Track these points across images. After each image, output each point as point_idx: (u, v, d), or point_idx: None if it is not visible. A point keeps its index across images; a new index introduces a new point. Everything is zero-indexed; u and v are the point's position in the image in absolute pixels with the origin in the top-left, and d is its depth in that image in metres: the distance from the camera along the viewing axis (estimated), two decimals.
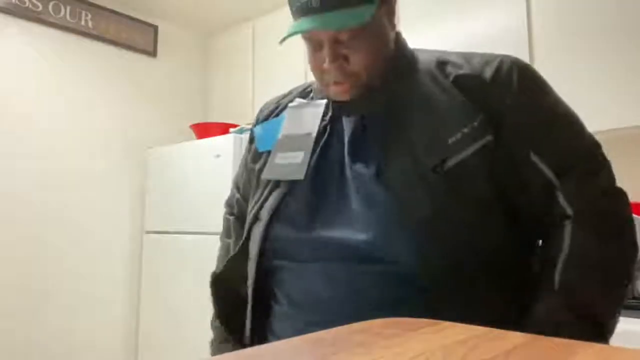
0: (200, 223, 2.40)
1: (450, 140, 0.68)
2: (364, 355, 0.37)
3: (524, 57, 1.70)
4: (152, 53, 2.97)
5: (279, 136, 0.83)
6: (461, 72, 0.73)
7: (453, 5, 2.01)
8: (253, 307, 0.79)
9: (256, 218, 0.80)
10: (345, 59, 0.71)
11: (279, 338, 0.73)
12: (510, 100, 0.70)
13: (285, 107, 0.87)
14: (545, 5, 1.83)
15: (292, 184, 0.77)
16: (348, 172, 0.74)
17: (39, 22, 2.47)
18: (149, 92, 2.93)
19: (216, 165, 2.41)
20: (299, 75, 2.44)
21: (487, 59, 0.74)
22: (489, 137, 0.69)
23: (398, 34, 0.80)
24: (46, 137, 2.46)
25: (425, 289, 0.65)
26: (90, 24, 2.68)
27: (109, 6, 2.77)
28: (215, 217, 2.35)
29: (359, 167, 0.73)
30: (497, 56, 0.75)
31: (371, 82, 0.74)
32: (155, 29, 2.99)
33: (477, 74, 0.72)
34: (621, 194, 0.71)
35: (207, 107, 3.20)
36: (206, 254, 2.44)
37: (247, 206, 0.88)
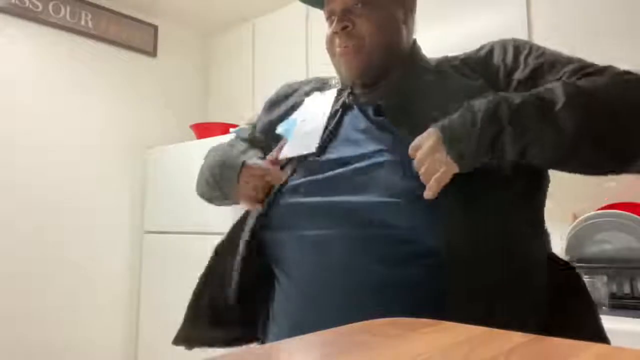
0: (200, 223, 2.40)
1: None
2: (364, 355, 0.37)
3: None
4: (152, 53, 2.97)
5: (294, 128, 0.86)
6: (461, 57, 0.80)
7: (453, 6, 2.01)
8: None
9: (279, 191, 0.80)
10: (353, 24, 0.78)
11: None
12: (509, 59, 0.75)
13: (299, 100, 0.92)
14: (545, 5, 1.83)
15: (309, 165, 0.79)
16: (362, 156, 0.75)
17: (39, 22, 2.47)
18: (149, 92, 2.93)
19: None
20: (299, 75, 2.43)
21: (480, 46, 0.81)
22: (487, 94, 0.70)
23: (415, 41, 0.86)
24: (46, 137, 2.46)
25: (429, 252, 0.65)
26: (90, 24, 2.68)
27: (109, 6, 2.77)
28: (216, 217, 2.36)
29: (373, 148, 0.74)
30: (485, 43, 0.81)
31: (373, 53, 0.78)
32: (155, 29, 2.99)
33: (473, 54, 0.80)
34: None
35: (207, 107, 3.20)
36: (206, 254, 2.44)
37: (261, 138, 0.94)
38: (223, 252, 0.85)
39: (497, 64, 0.75)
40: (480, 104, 0.64)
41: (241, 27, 3.00)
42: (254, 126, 1.00)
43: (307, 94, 0.92)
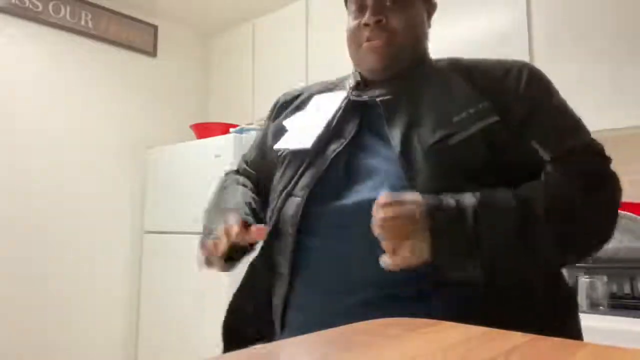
0: (200, 223, 2.39)
1: (454, 119, 0.72)
2: (364, 355, 0.37)
3: (524, 57, 1.70)
4: (152, 53, 2.97)
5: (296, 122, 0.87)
6: (474, 67, 0.79)
7: (453, 6, 2.01)
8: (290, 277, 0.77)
9: (289, 194, 0.79)
10: (386, 18, 0.79)
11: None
12: (518, 93, 0.74)
13: (304, 101, 0.92)
14: (545, 5, 1.83)
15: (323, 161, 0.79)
16: (366, 152, 0.77)
17: (39, 22, 2.47)
18: (149, 92, 2.93)
19: (216, 165, 2.41)
20: (299, 75, 2.44)
21: (500, 60, 0.80)
22: (495, 118, 0.71)
23: (427, 45, 0.88)
24: (46, 137, 2.46)
25: None
26: (90, 24, 2.68)
27: (109, 6, 2.77)
28: None
29: (376, 143, 0.77)
30: (510, 60, 0.80)
31: (402, 49, 0.80)
32: (155, 29, 2.99)
33: (489, 70, 0.78)
34: (614, 177, 0.74)
35: (207, 107, 3.20)
36: None
37: (254, 174, 0.96)
38: (259, 266, 0.83)
39: (506, 90, 0.75)
40: (468, 204, 0.64)
41: (241, 27, 3.00)
42: (263, 134, 0.98)
43: (313, 94, 0.92)
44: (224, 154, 2.39)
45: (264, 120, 1.02)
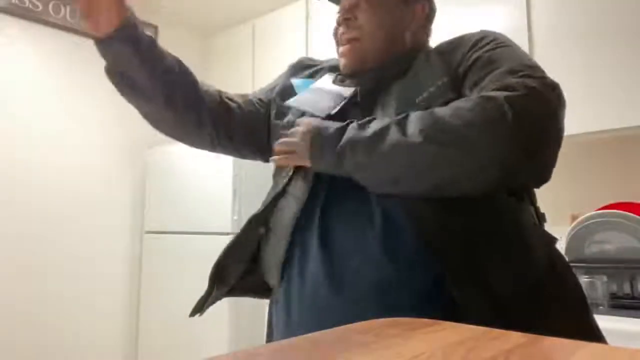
0: (200, 223, 2.40)
1: (417, 99, 0.72)
2: (364, 355, 0.37)
3: None
4: None
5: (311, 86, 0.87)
6: (437, 46, 0.81)
7: (452, 6, 2.01)
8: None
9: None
10: (355, 18, 0.82)
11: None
12: (462, 52, 0.74)
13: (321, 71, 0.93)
14: (545, 5, 1.83)
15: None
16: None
17: (39, 22, 2.48)
18: None
19: (216, 165, 2.41)
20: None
21: (460, 35, 0.80)
22: (451, 95, 0.70)
23: (424, 45, 0.87)
24: (46, 136, 2.46)
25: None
26: None
27: None
28: (216, 217, 2.36)
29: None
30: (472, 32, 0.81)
31: (368, 49, 0.82)
32: (155, 29, 2.99)
33: (450, 42, 0.79)
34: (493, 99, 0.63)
35: None
36: (206, 254, 2.44)
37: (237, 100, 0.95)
38: (253, 222, 0.82)
39: (455, 57, 0.75)
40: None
41: (241, 27, 3.00)
42: (272, 85, 1.00)
43: (327, 69, 0.92)
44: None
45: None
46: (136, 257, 2.75)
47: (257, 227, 0.81)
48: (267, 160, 0.93)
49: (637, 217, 1.55)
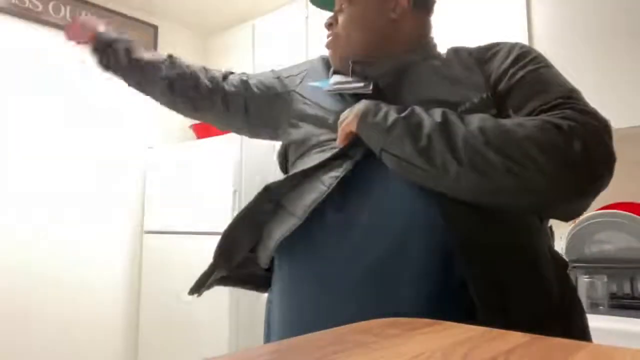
0: (200, 223, 2.40)
1: (460, 109, 0.70)
2: (364, 355, 0.37)
3: None
4: None
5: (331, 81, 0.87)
6: (470, 50, 0.80)
7: (452, 6, 2.01)
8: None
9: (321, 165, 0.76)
10: (337, 21, 0.87)
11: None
12: (503, 67, 0.74)
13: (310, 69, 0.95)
14: (545, 6, 1.83)
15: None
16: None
17: (39, 22, 2.47)
18: None
19: (216, 165, 2.41)
20: None
21: (493, 43, 0.81)
22: (493, 112, 0.69)
23: (426, 36, 0.87)
24: (45, 136, 2.46)
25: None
26: None
27: (109, 6, 2.77)
28: (216, 217, 2.36)
29: None
30: (500, 42, 0.81)
31: (347, 47, 0.85)
32: (155, 29, 2.99)
33: (483, 51, 0.79)
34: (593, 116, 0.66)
35: None
36: (206, 254, 2.44)
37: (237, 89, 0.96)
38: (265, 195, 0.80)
39: (492, 68, 0.75)
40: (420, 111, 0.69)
41: (241, 27, 3.00)
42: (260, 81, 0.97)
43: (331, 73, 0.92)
44: (224, 153, 2.39)
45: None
46: (136, 257, 2.75)
47: (268, 200, 0.79)
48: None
49: (638, 217, 1.55)
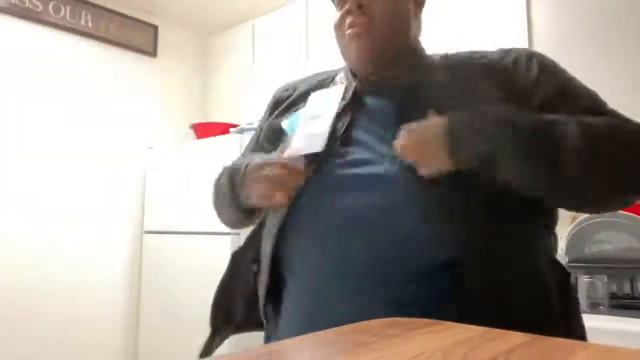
0: (200, 223, 2.40)
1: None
2: (364, 355, 0.37)
3: None
4: (152, 53, 2.97)
5: (299, 120, 0.84)
6: (477, 56, 0.78)
7: (452, 5, 2.01)
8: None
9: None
10: (367, 7, 0.78)
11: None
12: (533, 77, 0.73)
13: (298, 98, 0.91)
14: (545, 5, 1.83)
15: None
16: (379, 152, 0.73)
17: (39, 22, 2.47)
18: (149, 92, 2.93)
19: (216, 165, 2.41)
20: (299, 76, 2.43)
21: (501, 50, 0.79)
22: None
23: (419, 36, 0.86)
24: (46, 136, 2.46)
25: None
26: (90, 24, 2.68)
27: (109, 6, 2.77)
28: (215, 217, 2.35)
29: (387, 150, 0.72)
30: (510, 48, 0.79)
31: (383, 37, 0.78)
32: (155, 29, 2.99)
33: (495, 60, 0.76)
34: None
35: (207, 107, 3.20)
36: (206, 254, 2.44)
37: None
38: (240, 259, 0.85)
39: (521, 80, 0.73)
40: (494, 113, 0.66)
41: (241, 27, 3.00)
42: (257, 133, 0.97)
43: (308, 91, 0.89)
44: (224, 154, 2.39)
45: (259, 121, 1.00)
46: (136, 257, 2.74)
47: (249, 264, 0.82)
48: None
49: (638, 217, 1.55)
